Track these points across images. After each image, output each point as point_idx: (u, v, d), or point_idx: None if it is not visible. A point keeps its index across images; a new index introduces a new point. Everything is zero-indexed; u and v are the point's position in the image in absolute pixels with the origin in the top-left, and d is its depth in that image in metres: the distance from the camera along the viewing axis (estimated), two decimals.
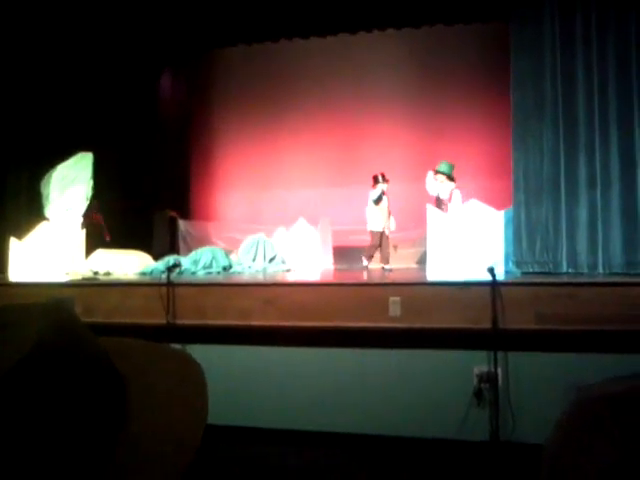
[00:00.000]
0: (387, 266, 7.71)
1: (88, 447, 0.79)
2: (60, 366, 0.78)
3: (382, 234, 7.86)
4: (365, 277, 6.72)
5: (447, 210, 7.36)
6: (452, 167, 7.77)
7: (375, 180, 7.97)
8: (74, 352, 0.81)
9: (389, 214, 7.96)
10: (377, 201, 7.91)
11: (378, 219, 7.91)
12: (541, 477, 0.71)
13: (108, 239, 8.60)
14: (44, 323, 0.80)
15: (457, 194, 7.53)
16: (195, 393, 0.97)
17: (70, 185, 7.89)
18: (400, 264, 8.00)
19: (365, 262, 7.91)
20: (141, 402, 0.90)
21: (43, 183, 7.90)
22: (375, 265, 7.99)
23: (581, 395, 0.73)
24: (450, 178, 7.66)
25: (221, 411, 5.19)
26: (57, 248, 7.45)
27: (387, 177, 7.94)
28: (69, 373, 0.79)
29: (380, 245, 7.90)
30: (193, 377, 1.00)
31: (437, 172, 7.65)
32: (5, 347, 0.75)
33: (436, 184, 7.62)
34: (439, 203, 7.58)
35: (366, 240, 8.12)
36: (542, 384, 4.62)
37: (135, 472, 0.83)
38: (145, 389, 0.92)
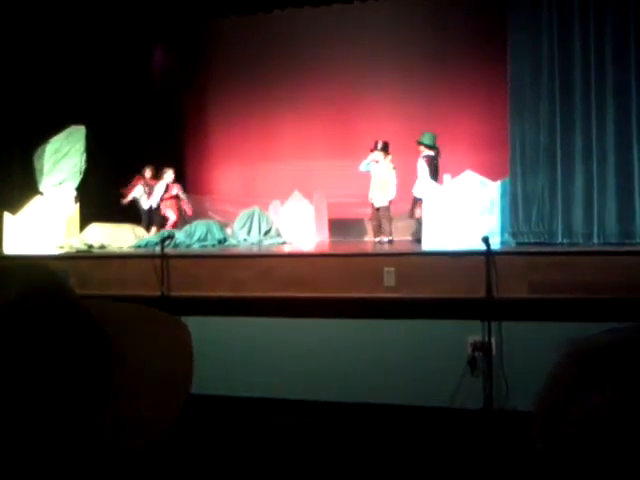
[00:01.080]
0: (384, 238, 7.57)
1: (72, 404, 0.78)
2: (40, 322, 0.76)
3: (377, 208, 7.70)
4: (359, 248, 6.71)
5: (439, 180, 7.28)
6: (433, 136, 7.62)
7: (375, 146, 7.67)
8: (55, 309, 0.79)
9: (380, 184, 7.76)
10: (366, 172, 7.74)
11: (371, 190, 7.81)
12: (533, 428, 0.71)
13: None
14: (23, 281, 0.79)
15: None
16: (181, 353, 0.97)
17: (63, 159, 7.84)
18: (396, 236, 7.95)
19: (378, 238, 7.63)
20: (126, 361, 0.89)
21: (36, 157, 7.84)
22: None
23: (574, 346, 0.72)
24: (431, 148, 7.52)
25: (216, 382, 5.24)
26: (51, 222, 7.42)
27: (379, 145, 7.65)
28: (50, 329, 0.77)
29: (373, 217, 7.74)
30: (179, 337, 1.00)
31: (418, 144, 7.54)
32: None
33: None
34: (432, 173, 7.50)
35: (361, 213, 8.06)
36: (536, 353, 4.62)
37: (120, 428, 0.83)
38: (130, 348, 0.91)
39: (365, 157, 7.82)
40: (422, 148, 7.49)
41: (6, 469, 0.72)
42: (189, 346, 0.98)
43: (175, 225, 8.67)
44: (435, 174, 7.38)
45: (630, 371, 0.64)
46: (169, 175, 8.83)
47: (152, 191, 8.81)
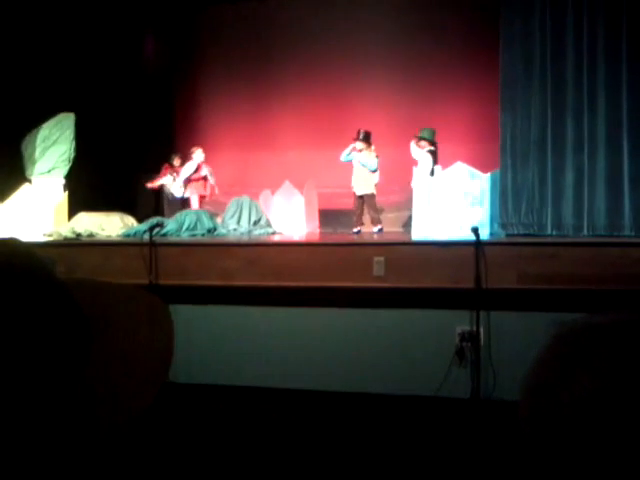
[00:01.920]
0: (374, 228, 7.58)
1: (49, 378, 0.77)
2: (10, 296, 0.74)
3: (361, 196, 7.70)
4: (349, 238, 6.69)
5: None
6: (434, 132, 7.70)
7: (357, 136, 7.73)
8: (28, 284, 0.77)
9: (363, 174, 7.66)
10: (347, 162, 7.76)
11: (352, 180, 7.77)
12: (519, 410, 0.70)
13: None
14: None
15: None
16: (160, 333, 0.96)
17: (52, 146, 7.77)
18: (385, 228, 7.94)
19: (355, 229, 7.70)
20: (104, 339, 0.87)
21: (24, 144, 7.77)
22: (368, 229, 7.83)
23: (562, 328, 0.71)
24: (432, 143, 7.58)
25: (205, 370, 5.24)
26: (39, 210, 7.36)
27: (361, 135, 7.62)
28: (24, 303, 0.75)
29: (361, 207, 7.75)
30: (159, 318, 0.99)
31: (420, 139, 7.57)
32: None
33: (420, 151, 7.54)
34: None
35: (352, 203, 8.05)
36: (523, 343, 4.65)
37: (98, 403, 0.82)
38: (109, 327, 0.90)
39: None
40: (423, 143, 7.51)
41: None
42: (169, 323, 0.98)
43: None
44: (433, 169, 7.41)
45: (617, 352, 0.64)
46: (199, 154, 8.50)
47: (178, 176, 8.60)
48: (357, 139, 7.71)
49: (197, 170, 8.46)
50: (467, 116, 9.20)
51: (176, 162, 8.85)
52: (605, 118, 5.92)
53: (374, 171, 7.68)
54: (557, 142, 6.03)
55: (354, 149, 7.73)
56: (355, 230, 7.59)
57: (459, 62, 9.36)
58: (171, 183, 8.72)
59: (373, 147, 7.78)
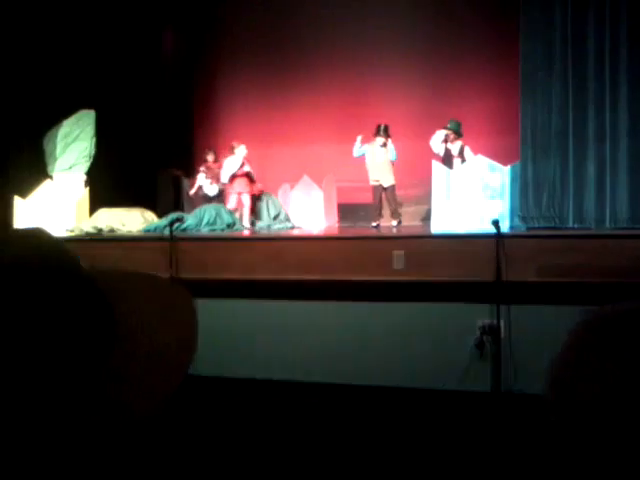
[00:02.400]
0: (394, 222, 7.55)
1: (72, 365, 0.78)
2: (39, 284, 0.76)
3: (381, 188, 7.67)
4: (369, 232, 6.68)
5: (453, 167, 7.28)
6: (460, 124, 7.69)
7: (377, 131, 7.63)
8: (57, 274, 0.79)
9: (386, 166, 7.60)
10: (361, 156, 7.67)
11: (370, 173, 7.66)
12: (545, 398, 0.70)
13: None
14: (20, 246, 0.78)
15: (468, 150, 7.40)
16: (184, 322, 0.96)
17: (73, 143, 7.85)
18: (404, 221, 7.91)
19: (374, 223, 7.66)
20: (128, 326, 0.88)
21: (46, 141, 7.86)
22: (388, 223, 7.79)
23: (590, 316, 0.71)
24: (459, 135, 7.56)
25: (225, 363, 5.27)
26: (60, 206, 7.44)
27: (383, 128, 7.61)
28: (52, 293, 0.76)
29: (386, 200, 7.72)
30: (182, 306, 0.99)
31: (449, 130, 7.52)
32: None
33: (439, 142, 7.50)
34: (447, 160, 7.49)
35: (371, 197, 8.01)
36: (544, 336, 4.61)
37: (123, 390, 0.83)
38: (133, 314, 0.91)
39: (371, 140, 7.77)
40: (452, 135, 7.47)
41: (6, 433, 0.72)
42: (192, 312, 0.98)
43: (252, 210, 7.93)
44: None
45: None
46: (242, 149, 8.05)
47: (214, 176, 8.31)
48: (377, 134, 7.67)
49: (241, 166, 8.06)
50: (487, 108, 9.12)
51: (210, 157, 8.60)
52: (627, 108, 5.83)
53: (394, 159, 7.65)
54: (578, 133, 5.95)
55: (383, 145, 7.65)
56: (374, 224, 7.56)
57: (478, 54, 9.27)
58: (204, 180, 8.49)
59: (390, 139, 7.75)
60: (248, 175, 8.12)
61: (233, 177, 8.02)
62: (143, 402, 0.83)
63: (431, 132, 7.72)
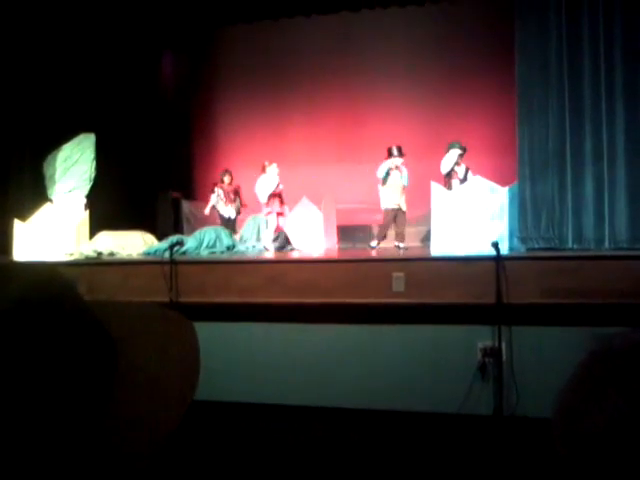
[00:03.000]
0: (401, 244, 7.55)
1: (75, 404, 0.77)
2: (43, 322, 0.76)
3: (397, 211, 7.69)
4: (368, 254, 6.68)
5: (450, 187, 7.31)
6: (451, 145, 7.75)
7: (388, 153, 7.68)
8: (58, 309, 0.79)
9: (403, 189, 7.64)
10: (384, 179, 7.64)
11: (388, 196, 7.66)
12: (552, 429, 0.69)
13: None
14: (27, 281, 0.78)
15: (470, 173, 7.46)
16: (186, 354, 0.95)
17: (73, 166, 7.88)
18: (407, 242, 7.92)
19: (373, 243, 7.66)
20: (130, 361, 0.88)
21: (46, 164, 7.89)
22: (387, 244, 7.78)
23: (599, 345, 0.70)
24: (461, 150, 7.66)
25: (226, 388, 5.23)
26: (60, 229, 7.45)
27: (403, 150, 7.69)
28: (53, 329, 0.76)
29: (395, 222, 7.68)
30: (184, 337, 0.98)
31: (462, 150, 7.59)
32: None
33: (452, 162, 7.53)
34: (449, 181, 7.53)
35: (370, 219, 8.04)
36: (546, 358, 4.61)
37: (122, 430, 0.82)
38: (134, 348, 0.90)
39: (374, 163, 7.81)
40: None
41: (7, 472, 0.71)
42: (195, 345, 0.97)
43: (279, 231, 7.83)
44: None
45: None
46: (274, 168, 8.01)
47: (229, 197, 8.38)
48: (392, 155, 7.66)
49: (277, 185, 8.06)
50: (485, 130, 9.19)
51: (226, 178, 8.64)
52: (624, 128, 5.86)
53: (383, 179, 7.69)
54: (576, 153, 5.97)
55: (396, 167, 7.63)
56: (373, 244, 7.57)
57: (476, 76, 9.36)
58: (217, 201, 8.53)
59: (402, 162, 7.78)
60: (280, 195, 8.15)
61: (269, 196, 8.02)
62: (145, 439, 0.82)
63: (430, 153, 7.78)
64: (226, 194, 8.54)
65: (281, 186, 8.15)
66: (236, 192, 8.60)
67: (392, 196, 7.65)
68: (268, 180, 8.08)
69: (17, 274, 0.80)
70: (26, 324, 0.74)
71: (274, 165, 8.16)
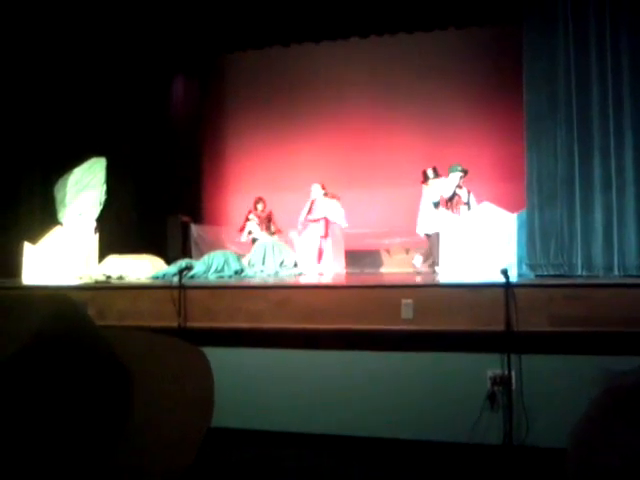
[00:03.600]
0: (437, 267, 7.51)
1: (91, 438, 0.78)
2: (61, 356, 0.77)
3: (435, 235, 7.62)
4: (377, 280, 6.68)
5: (458, 211, 7.30)
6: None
7: (425, 176, 7.55)
8: (76, 342, 0.80)
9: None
10: (437, 204, 7.49)
11: (435, 220, 7.48)
12: (567, 466, 0.70)
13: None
14: (45, 313, 0.79)
15: (472, 197, 7.43)
16: (201, 386, 0.95)
17: (83, 190, 7.95)
18: (412, 268, 7.91)
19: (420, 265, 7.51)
20: (145, 394, 0.88)
21: (57, 188, 7.96)
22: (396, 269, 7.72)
23: (611, 383, 0.71)
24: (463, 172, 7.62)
25: (234, 414, 5.20)
26: (70, 253, 7.49)
27: (431, 174, 7.58)
28: (70, 363, 0.77)
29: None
30: (199, 369, 0.99)
31: (465, 173, 7.56)
32: (5, 337, 0.74)
33: (453, 185, 7.50)
34: (451, 204, 7.52)
35: (378, 244, 8.02)
36: (556, 387, 4.57)
37: (137, 464, 0.82)
38: (149, 381, 0.91)
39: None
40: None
41: None
42: (210, 377, 0.96)
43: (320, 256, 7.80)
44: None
45: None
46: (317, 189, 8.04)
47: (263, 224, 8.46)
48: (429, 178, 7.58)
49: (310, 209, 8.07)
50: (493, 155, 9.22)
51: (259, 206, 8.76)
52: (633, 155, 5.87)
53: (434, 203, 7.60)
54: (584, 181, 5.98)
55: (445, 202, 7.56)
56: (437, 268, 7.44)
57: (482, 103, 9.42)
58: (254, 227, 8.60)
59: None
60: (327, 217, 8.06)
61: (305, 220, 8.06)
62: (160, 472, 0.82)
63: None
64: (260, 221, 8.61)
65: (326, 208, 8.04)
66: (269, 218, 8.69)
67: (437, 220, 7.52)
68: (313, 202, 8.07)
69: (35, 306, 0.82)
70: (45, 357, 0.75)
71: (317, 186, 8.14)
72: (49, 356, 0.76)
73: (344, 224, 8.03)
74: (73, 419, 0.76)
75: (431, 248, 7.60)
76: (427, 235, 7.61)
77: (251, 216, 8.72)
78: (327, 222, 8.05)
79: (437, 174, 7.66)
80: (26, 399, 0.73)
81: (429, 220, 7.57)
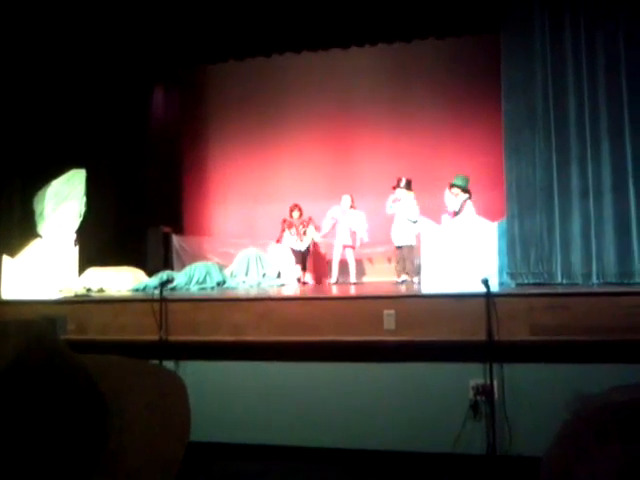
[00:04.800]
0: (399, 279, 7.57)
1: (67, 466, 0.78)
2: (38, 383, 0.76)
3: (403, 247, 7.67)
4: (359, 290, 6.69)
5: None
6: (467, 180, 7.75)
7: (398, 184, 7.63)
8: (52, 369, 0.79)
9: (406, 223, 7.67)
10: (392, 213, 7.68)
11: (392, 231, 7.71)
12: None
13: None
14: (22, 340, 0.79)
15: (469, 205, 7.46)
16: (176, 411, 0.95)
17: (63, 202, 7.87)
18: (374, 277, 7.96)
19: (400, 278, 7.57)
20: (121, 420, 0.88)
21: (36, 200, 7.88)
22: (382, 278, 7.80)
23: (582, 405, 0.72)
24: (465, 190, 7.63)
25: (215, 428, 5.17)
26: (50, 265, 7.41)
27: (402, 183, 7.67)
28: (47, 390, 0.77)
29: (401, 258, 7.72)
30: (175, 394, 0.99)
31: (452, 186, 7.62)
32: None
33: (452, 197, 7.55)
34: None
35: (360, 254, 8.04)
36: (538, 396, 4.60)
37: None
38: (125, 407, 0.91)
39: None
40: (455, 190, 7.52)
41: None
42: (186, 403, 0.97)
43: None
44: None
45: (638, 433, 0.64)
46: (346, 200, 8.08)
47: (299, 232, 8.42)
48: (397, 187, 7.69)
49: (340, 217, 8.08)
50: (473, 164, 9.28)
51: (295, 213, 8.70)
52: (610, 163, 5.96)
53: (415, 222, 7.61)
54: (563, 189, 6.06)
55: (396, 200, 7.67)
56: (400, 280, 7.49)
57: (462, 112, 9.50)
58: (290, 237, 8.54)
59: (413, 195, 7.73)
60: (352, 228, 8.07)
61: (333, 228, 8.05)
62: None
63: (419, 189, 7.84)
64: (297, 229, 8.54)
65: (352, 219, 8.08)
66: (306, 225, 8.59)
67: (393, 231, 7.66)
68: (337, 211, 8.13)
69: (12, 332, 0.81)
70: (21, 384, 0.74)
71: (346, 196, 8.20)
72: (26, 383, 0.75)
73: (365, 238, 8.12)
74: (50, 445, 0.76)
75: (399, 260, 7.67)
76: (398, 247, 7.67)
77: (286, 225, 8.63)
78: (352, 233, 8.12)
79: (409, 187, 7.71)
80: (1, 428, 0.72)
81: (401, 232, 7.61)
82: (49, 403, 0.76)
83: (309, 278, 8.25)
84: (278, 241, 8.62)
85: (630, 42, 5.93)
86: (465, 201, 7.44)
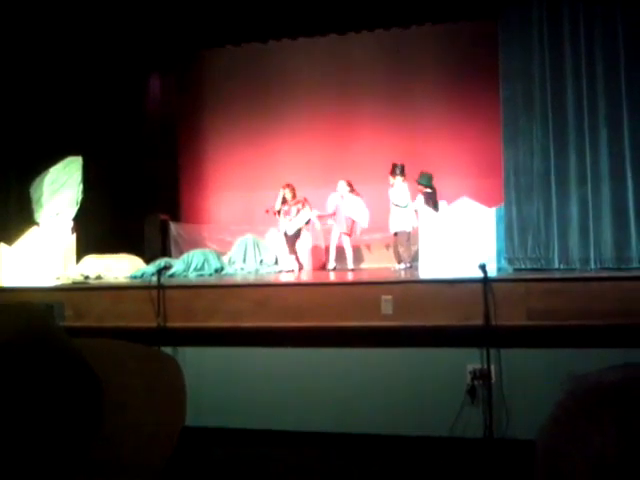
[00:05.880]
0: (396, 265, 7.57)
1: (62, 447, 0.78)
2: (29, 366, 0.76)
3: (398, 232, 7.69)
4: (357, 276, 6.70)
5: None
6: (430, 177, 7.78)
7: (393, 170, 7.61)
8: (44, 352, 0.79)
9: (404, 211, 7.65)
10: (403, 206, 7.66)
11: (401, 219, 7.67)
12: (534, 469, 0.70)
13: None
14: (11, 323, 0.79)
15: (420, 199, 7.51)
16: (172, 392, 0.95)
17: (60, 189, 7.86)
18: (372, 264, 7.97)
19: (398, 265, 7.52)
20: (116, 402, 0.88)
21: (33, 188, 7.86)
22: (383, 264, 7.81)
23: (575, 385, 0.71)
24: (428, 187, 7.67)
25: (214, 413, 5.19)
26: (47, 253, 7.40)
27: (397, 170, 7.66)
28: (39, 373, 0.77)
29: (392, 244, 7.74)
30: (170, 376, 0.99)
31: (418, 184, 7.70)
32: None
33: (402, 190, 7.60)
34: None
35: (358, 240, 8.05)
36: (535, 380, 4.62)
37: (110, 472, 0.82)
38: (120, 389, 0.91)
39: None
40: (421, 186, 7.62)
41: None
42: (182, 385, 0.97)
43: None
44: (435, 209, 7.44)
45: (631, 412, 0.64)
46: (342, 186, 7.93)
47: (290, 212, 8.11)
48: (392, 173, 7.69)
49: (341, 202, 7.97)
50: (471, 151, 9.26)
51: (288, 194, 8.27)
52: (607, 150, 5.96)
53: (405, 207, 7.59)
54: (560, 175, 6.06)
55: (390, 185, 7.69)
56: (398, 267, 7.44)
57: (461, 97, 9.47)
58: (284, 220, 8.25)
59: (401, 179, 7.69)
60: (351, 214, 7.92)
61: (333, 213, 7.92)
62: (138, 467, 0.82)
63: (417, 175, 7.84)
64: (289, 208, 8.22)
65: (350, 205, 7.96)
66: (302, 206, 8.22)
67: (390, 217, 7.66)
68: (336, 197, 8.04)
69: (2, 316, 0.81)
70: (10, 367, 0.74)
71: (341, 182, 8.07)
72: (15, 365, 0.75)
73: (365, 225, 8.02)
74: (44, 427, 0.76)
75: (395, 246, 7.66)
76: (395, 233, 7.68)
77: (283, 209, 8.29)
78: (351, 220, 7.98)
79: (403, 173, 7.70)
80: None
81: (396, 219, 7.61)
82: (39, 385, 0.76)
83: (294, 263, 7.90)
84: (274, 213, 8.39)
85: (629, 30, 5.91)
86: (428, 199, 7.46)
